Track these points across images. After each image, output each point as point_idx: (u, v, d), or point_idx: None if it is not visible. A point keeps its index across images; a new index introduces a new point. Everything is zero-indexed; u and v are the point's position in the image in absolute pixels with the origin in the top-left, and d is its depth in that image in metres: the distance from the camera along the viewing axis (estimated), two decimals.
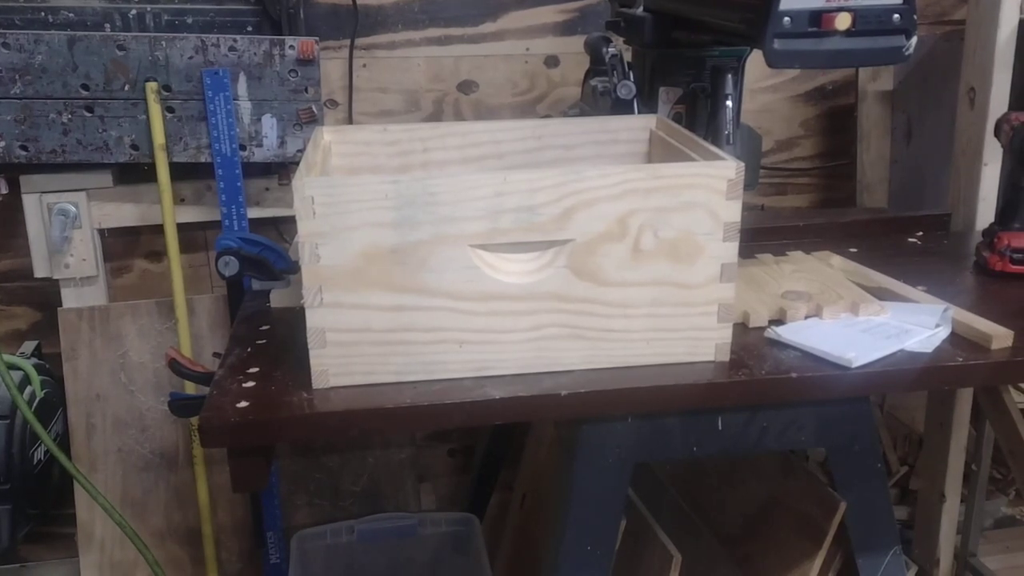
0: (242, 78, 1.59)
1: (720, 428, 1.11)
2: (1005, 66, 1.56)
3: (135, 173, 1.69)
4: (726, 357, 1.05)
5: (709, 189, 0.98)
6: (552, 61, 1.91)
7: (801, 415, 1.12)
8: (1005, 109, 1.57)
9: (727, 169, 0.98)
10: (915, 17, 0.99)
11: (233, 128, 1.60)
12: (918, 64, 1.92)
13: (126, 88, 1.57)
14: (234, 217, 1.67)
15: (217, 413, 0.95)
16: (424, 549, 1.76)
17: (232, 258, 1.19)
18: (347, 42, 1.81)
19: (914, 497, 2.00)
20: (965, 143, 1.64)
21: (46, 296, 1.79)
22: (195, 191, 1.72)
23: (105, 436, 1.75)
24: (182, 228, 1.69)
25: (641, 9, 1.35)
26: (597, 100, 1.39)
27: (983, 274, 1.37)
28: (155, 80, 1.56)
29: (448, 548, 1.76)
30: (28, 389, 1.63)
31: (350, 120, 1.85)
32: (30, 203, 1.65)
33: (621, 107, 1.32)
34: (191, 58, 1.57)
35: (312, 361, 0.99)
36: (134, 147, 1.60)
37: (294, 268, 1.23)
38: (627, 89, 1.32)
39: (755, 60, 1.12)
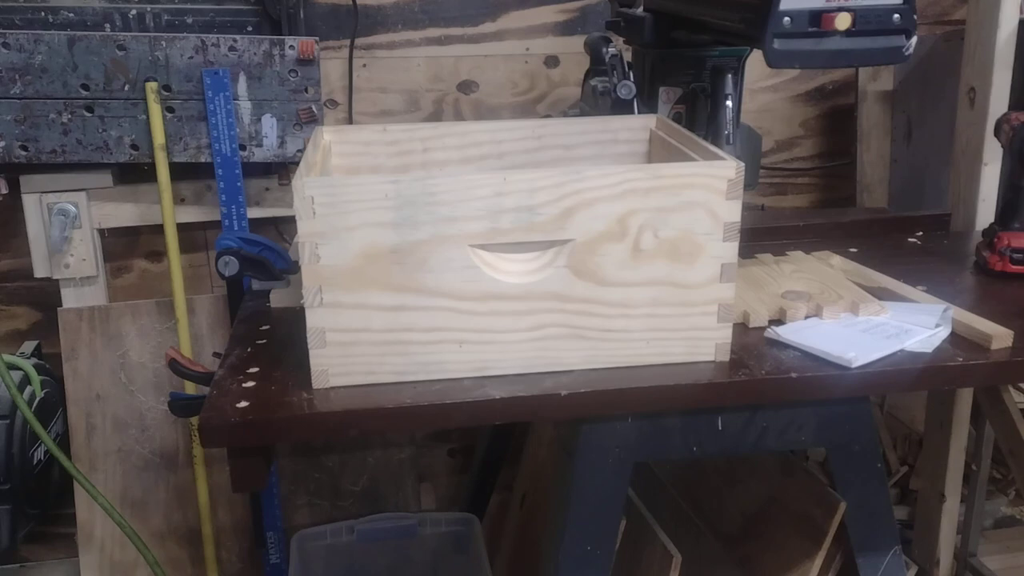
0: (242, 78, 1.59)
1: (720, 428, 1.11)
2: (1005, 66, 1.56)
3: (135, 173, 1.69)
4: (726, 357, 1.05)
5: (709, 189, 0.98)
6: (552, 61, 1.91)
7: (801, 415, 1.12)
8: (1005, 109, 1.57)
9: (727, 169, 0.98)
10: (915, 17, 0.99)
11: (233, 128, 1.60)
12: (918, 64, 1.92)
13: (126, 88, 1.57)
14: (234, 217, 1.67)
15: (217, 413, 0.95)
16: (424, 549, 1.76)
17: (232, 258, 1.19)
18: (347, 42, 1.81)
19: (914, 497, 2.00)
20: (965, 143, 1.64)
21: (46, 296, 1.79)
22: (195, 191, 1.72)
23: (105, 436, 1.75)
24: (182, 228, 1.69)
25: (641, 9, 1.35)
26: (597, 100, 1.39)
27: (983, 274, 1.37)
28: (155, 80, 1.56)
29: (448, 548, 1.76)
30: (28, 389, 1.63)
31: (350, 120, 1.85)
32: (30, 203, 1.65)
33: (621, 107, 1.32)
34: (191, 58, 1.57)
35: (312, 361, 0.99)
36: (134, 147, 1.60)
37: (294, 268, 1.23)
38: (627, 89, 1.32)
39: (755, 60, 1.12)
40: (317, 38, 1.60)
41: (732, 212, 0.99)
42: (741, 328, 1.13)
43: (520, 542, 1.72)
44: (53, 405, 1.70)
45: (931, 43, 1.89)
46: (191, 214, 1.72)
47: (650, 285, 1.01)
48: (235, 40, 1.57)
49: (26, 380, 1.64)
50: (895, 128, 2.02)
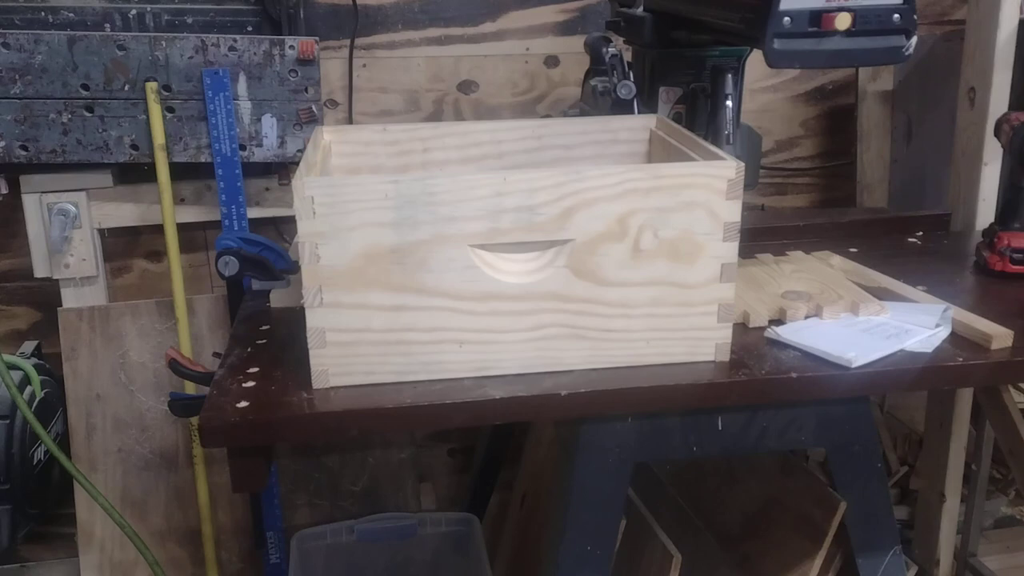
0: (242, 78, 1.59)
1: (720, 428, 1.11)
2: (1005, 66, 1.56)
3: (135, 173, 1.69)
4: (726, 357, 1.05)
5: (709, 189, 0.98)
6: (552, 61, 1.91)
7: (801, 415, 1.12)
8: (1005, 109, 1.57)
9: (727, 169, 0.98)
10: (915, 17, 0.99)
11: (233, 128, 1.60)
12: (918, 64, 1.92)
13: (126, 88, 1.56)
14: (234, 217, 1.67)
15: (217, 413, 0.95)
16: (424, 549, 1.76)
17: (232, 258, 1.19)
18: (347, 42, 1.81)
19: (914, 497, 2.00)
20: (965, 143, 1.64)
21: (46, 296, 1.79)
22: (195, 191, 1.72)
23: (105, 436, 1.75)
24: (182, 228, 1.69)
25: (641, 9, 1.35)
26: (597, 100, 1.39)
27: (983, 274, 1.37)
28: (155, 80, 1.56)
29: (448, 548, 1.76)
30: (28, 389, 1.63)
31: (350, 120, 1.85)
32: (30, 203, 1.65)
33: (621, 107, 1.32)
34: (191, 58, 1.57)
35: (312, 361, 0.99)
36: (134, 147, 1.60)
37: (294, 268, 1.23)
38: (627, 89, 1.32)
39: (755, 60, 1.12)
40: (317, 38, 1.60)
41: (732, 212, 0.99)
42: (741, 328, 1.13)
43: (520, 542, 1.72)
44: (53, 405, 1.70)
45: (931, 43, 1.89)
46: (191, 214, 1.72)
47: (650, 285, 1.01)
48: (235, 40, 1.57)
49: (26, 380, 1.64)
50: (895, 128, 2.02)
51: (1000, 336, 1.08)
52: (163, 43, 1.55)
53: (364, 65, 1.84)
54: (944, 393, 1.77)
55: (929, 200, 1.91)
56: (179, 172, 1.66)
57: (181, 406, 1.11)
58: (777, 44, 0.98)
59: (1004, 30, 1.53)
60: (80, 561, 1.77)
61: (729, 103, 1.22)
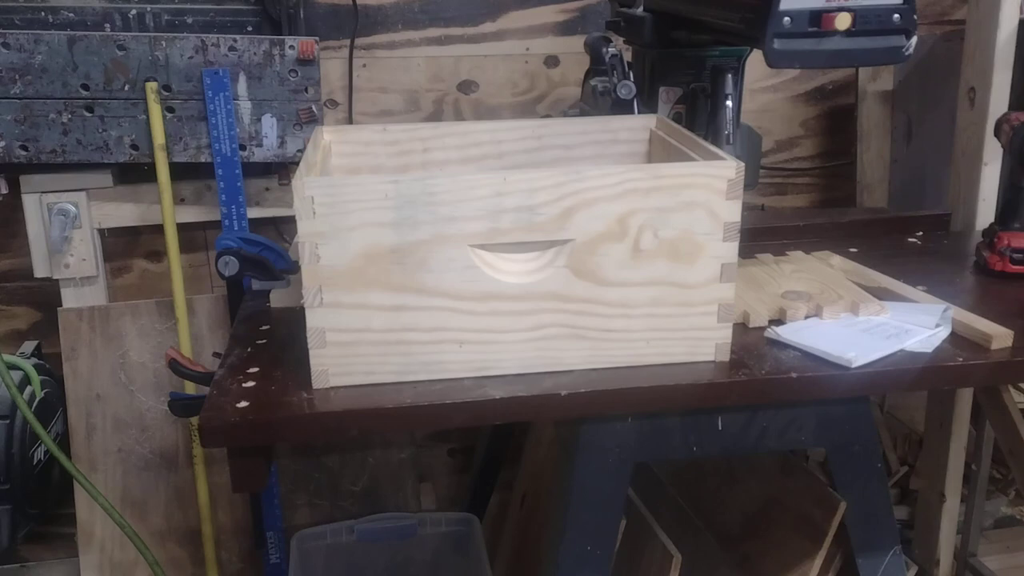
0: (242, 78, 1.59)
1: (720, 428, 1.11)
2: (1005, 66, 1.56)
3: (135, 173, 1.69)
4: (726, 357, 1.05)
5: (709, 189, 0.98)
6: (552, 61, 1.91)
7: (801, 415, 1.12)
8: (1005, 109, 1.57)
9: (727, 169, 0.98)
10: (915, 17, 0.99)
11: (233, 128, 1.60)
12: (918, 64, 1.92)
13: (126, 88, 1.56)
14: (234, 217, 1.67)
15: (217, 413, 0.95)
16: (424, 549, 1.76)
17: (232, 258, 1.19)
18: (347, 42, 1.81)
19: (914, 497, 2.00)
20: (965, 143, 1.64)
21: (46, 296, 1.79)
22: (195, 191, 1.72)
23: (105, 436, 1.75)
24: (182, 228, 1.69)
25: (641, 9, 1.35)
26: (597, 100, 1.39)
27: (983, 274, 1.37)
28: (155, 80, 1.56)
29: (448, 548, 1.76)
30: (28, 389, 1.63)
31: (350, 120, 1.85)
32: (30, 203, 1.65)
33: (621, 107, 1.32)
34: (191, 58, 1.57)
35: (312, 361, 0.99)
36: (134, 147, 1.60)
37: (294, 268, 1.23)
38: (627, 89, 1.32)
39: (755, 60, 1.12)
40: (317, 38, 1.60)
41: (732, 212, 0.99)
42: (741, 328, 1.13)
43: (520, 542, 1.73)
44: (53, 405, 1.70)
45: (931, 43, 1.89)
46: (191, 214, 1.72)
47: (650, 285, 1.01)
48: (235, 40, 1.57)
49: (26, 380, 1.64)
50: (895, 128, 2.02)
51: (1000, 336, 1.08)
52: (163, 43, 1.55)
53: (364, 65, 1.84)
54: (944, 393, 1.77)
55: (929, 200, 1.91)
56: (179, 172, 1.66)
57: (181, 406, 1.11)
58: (777, 44, 0.98)
59: (1004, 30, 1.53)
60: (80, 561, 1.77)
61: (729, 103, 1.22)
